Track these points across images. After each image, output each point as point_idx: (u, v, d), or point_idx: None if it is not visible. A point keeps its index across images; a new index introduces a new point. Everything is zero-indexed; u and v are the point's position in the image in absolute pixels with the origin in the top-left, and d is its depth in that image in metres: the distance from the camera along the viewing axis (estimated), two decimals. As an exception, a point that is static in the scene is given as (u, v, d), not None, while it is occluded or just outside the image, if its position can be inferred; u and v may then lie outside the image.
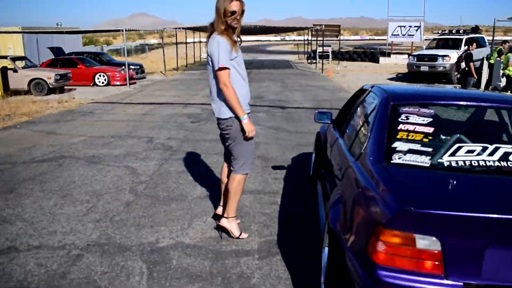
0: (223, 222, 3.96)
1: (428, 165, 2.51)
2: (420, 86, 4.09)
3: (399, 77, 20.70)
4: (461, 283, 1.97)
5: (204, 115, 10.76)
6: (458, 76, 13.37)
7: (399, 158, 2.56)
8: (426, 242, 2.01)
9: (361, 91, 4.12)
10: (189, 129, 9.06)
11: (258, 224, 4.28)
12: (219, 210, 4.23)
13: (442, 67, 17.98)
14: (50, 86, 15.39)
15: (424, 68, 18.34)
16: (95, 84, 18.32)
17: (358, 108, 3.79)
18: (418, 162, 2.51)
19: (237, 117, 3.68)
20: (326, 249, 3.15)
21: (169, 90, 16.96)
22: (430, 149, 2.60)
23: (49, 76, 15.40)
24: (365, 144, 2.85)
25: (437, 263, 2.00)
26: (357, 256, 2.23)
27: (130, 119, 10.36)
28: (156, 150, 7.25)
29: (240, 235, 3.95)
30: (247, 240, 3.92)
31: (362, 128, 3.24)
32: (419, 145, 2.63)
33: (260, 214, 4.52)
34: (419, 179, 2.42)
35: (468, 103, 3.22)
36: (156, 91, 16.59)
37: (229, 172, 4.01)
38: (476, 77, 12.35)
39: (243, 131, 3.71)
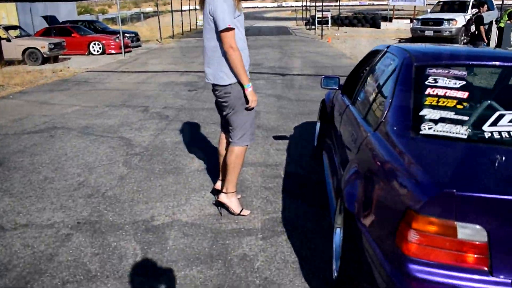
0: (222, 198, 3.68)
1: (465, 136, 2.15)
2: (441, 45, 3.72)
3: (402, 43, 20.14)
4: (509, 280, 1.66)
5: (201, 83, 10.38)
6: (465, 40, 12.91)
7: (429, 128, 2.21)
8: (469, 232, 1.68)
9: (375, 53, 3.76)
10: (185, 98, 8.71)
11: (261, 199, 4.00)
12: (218, 184, 3.94)
13: (448, 32, 17.46)
14: (44, 56, 14.92)
15: (429, 33, 17.81)
16: (90, 53, 17.86)
17: (373, 72, 3.43)
18: (453, 133, 2.16)
19: (240, 84, 3.37)
20: (338, 231, 2.88)
21: (165, 58, 16.48)
22: (465, 118, 2.24)
23: (43, 45, 14.92)
24: (385, 112, 2.51)
25: (481, 256, 1.68)
26: (382, 245, 1.91)
27: (125, 88, 10.00)
28: (151, 120, 6.93)
29: (241, 211, 3.67)
30: (249, 218, 3.64)
31: (380, 94, 2.89)
32: (453, 113, 2.26)
33: (262, 189, 4.24)
34: (457, 154, 2.07)
35: (508, 63, 2.81)
36: (151, 59, 16.13)
37: (228, 143, 3.72)
38: (487, 41, 11.89)
39: (246, 100, 3.41)
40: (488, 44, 13.20)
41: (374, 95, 3.03)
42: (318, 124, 5.40)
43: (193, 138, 5.92)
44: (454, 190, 1.65)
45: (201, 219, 3.64)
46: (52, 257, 3.10)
